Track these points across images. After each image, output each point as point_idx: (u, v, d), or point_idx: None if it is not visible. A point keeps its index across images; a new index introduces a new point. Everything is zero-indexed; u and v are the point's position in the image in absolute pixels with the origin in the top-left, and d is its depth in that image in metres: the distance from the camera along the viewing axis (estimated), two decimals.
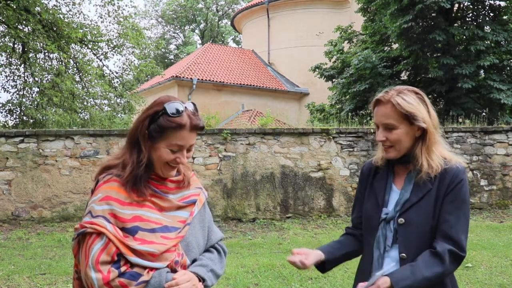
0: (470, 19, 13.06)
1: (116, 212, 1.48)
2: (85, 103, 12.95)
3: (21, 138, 8.12)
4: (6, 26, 10.97)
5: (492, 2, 12.62)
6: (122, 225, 1.47)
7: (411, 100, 1.68)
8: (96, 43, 12.38)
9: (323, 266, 1.85)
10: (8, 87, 12.62)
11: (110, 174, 1.56)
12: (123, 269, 1.45)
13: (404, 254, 1.66)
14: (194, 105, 1.58)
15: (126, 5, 31.50)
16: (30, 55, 11.83)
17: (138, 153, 1.53)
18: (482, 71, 12.60)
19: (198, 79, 18.24)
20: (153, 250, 1.46)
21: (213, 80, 18.69)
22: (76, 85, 12.16)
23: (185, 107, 1.52)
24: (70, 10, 12.37)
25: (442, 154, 1.71)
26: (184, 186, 1.63)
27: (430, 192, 1.66)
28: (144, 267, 1.46)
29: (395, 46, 14.13)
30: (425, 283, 1.57)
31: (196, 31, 39.05)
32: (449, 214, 1.63)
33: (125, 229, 1.47)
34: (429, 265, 1.59)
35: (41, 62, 12.28)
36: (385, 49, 14.30)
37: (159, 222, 1.52)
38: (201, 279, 1.54)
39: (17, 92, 12.52)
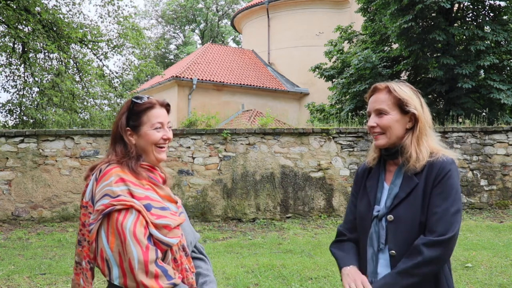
0: (470, 19, 13.05)
1: (132, 191, 1.57)
2: (85, 103, 12.96)
3: (21, 138, 8.12)
4: (6, 26, 10.97)
5: (492, 2, 12.62)
6: (139, 203, 1.56)
7: (406, 90, 1.75)
8: (96, 43, 12.38)
9: None
10: (8, 87, 12.64)
11: (112, 163, 1.64)
12: (159, 254, 1.52)
13: (393, 251, 1.66)
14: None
15: (126, 5, 31.49)
16: (30, 55, 11.83)
17: (124, 146, 1.69)
18: (482, 71, 12.60)
19: (198, 79, 18.23)
20: (169, 222, 1.57)
21: (213, 80, 18.69)
22: (76, 85, 12.15)
23: (148, 97, 1.74)
24: (70, 10, 12.37)
25: (431, 146, 1.72)
26: (165, 183, 1.77)
27: (417, 187, 1.67)
28: (166, 243, 1.55)
29: (395, 46, 14.13)
30: (405, 277, 1.57)
31: (196, 31, 39.05)
32: (436, 206, 1.62)
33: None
34: (406, 260, 1.60)
35: (41, 62, 12.28)
36: (385, 49, 14.29)
37: (164, 203, 1.64)
38: None
39: (17, 92, 12.53)
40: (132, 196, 1.56)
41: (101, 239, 1.54)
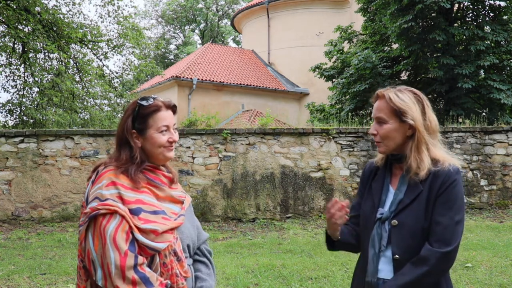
0: (470, 19, 13.05)
1: (122, 195, 1.57)
2: (85, 103, 12.97)
3: (21, 138, 8.12)
4: (6, 26, 10.97)
5: (492, 2, 12.62)
6: (128, 206, 1.56)
7: (405, 98, 1.71)
8: (96, 43, 12.38)
9: (332, 243, 1.89)
10: (8, 87, 12.65)
11: (108, 165, 1.65)
12: (140, 260, 1.51)
13: (397, 256, 1.68)
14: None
15: (126, 5, 31.58)
16: (30, 55, 11.83)
17: (129, 150, 1.67)
18: (482, 71, 12.60)
19: (198, 79, 18.23)
20: (156, 227, 1.56)
21: (213, 80, 18.69)
22: (76, 85, 12.16)
23: (154, 98, 1.71)
24: (70, 10, 12.37)
25: (435, 155, 1.70)
26: (174, 182, 1.77)
27: (421, 194, 1.68)
28: (152, 248, 1.54)
29: (395, 46, 14.13)
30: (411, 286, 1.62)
31: (196, 31, 39.05)
32: (441, 215, 1.64)
33: (130, 210, 1.56)
34: (412, 268, 1.63)
35: (41, 62, 12.29)
36: (385, 49, 14.29)
37: (158, 207, 1.63)
38: None
39: (17, 92, 12.53)
40: (122, 199, 1.56)
41: (88, 241, 1.56)
